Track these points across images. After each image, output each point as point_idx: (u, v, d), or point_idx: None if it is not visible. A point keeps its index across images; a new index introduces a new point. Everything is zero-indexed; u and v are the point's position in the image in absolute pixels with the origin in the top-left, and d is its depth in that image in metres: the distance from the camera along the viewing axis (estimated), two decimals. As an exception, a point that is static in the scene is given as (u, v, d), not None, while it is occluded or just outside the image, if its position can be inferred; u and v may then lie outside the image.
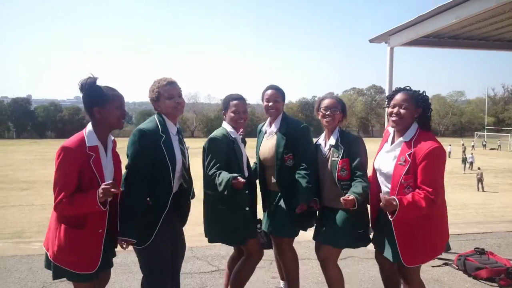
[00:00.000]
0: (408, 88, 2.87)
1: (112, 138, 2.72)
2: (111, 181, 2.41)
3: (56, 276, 2.55)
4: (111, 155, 2.65)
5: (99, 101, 2.51)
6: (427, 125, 2.82)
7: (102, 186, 2.36)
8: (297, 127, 3.37)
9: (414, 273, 2.93)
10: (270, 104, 3.40)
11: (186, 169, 3.00)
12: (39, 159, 36.31)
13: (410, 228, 2.75)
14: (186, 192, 3.05)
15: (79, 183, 2.43)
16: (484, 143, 54.28)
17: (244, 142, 3.45)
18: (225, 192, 2.84)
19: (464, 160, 29.73)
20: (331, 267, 3.23)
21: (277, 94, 3.43)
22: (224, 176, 2.86)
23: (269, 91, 3.45)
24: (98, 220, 2.51)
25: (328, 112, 3.21)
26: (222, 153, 3.08)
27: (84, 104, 2.55)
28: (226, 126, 3.26)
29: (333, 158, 3.15)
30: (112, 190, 2.35)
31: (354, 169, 3.06)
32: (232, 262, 3.50)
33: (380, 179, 2.98)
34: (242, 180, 2.79)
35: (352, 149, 3.11)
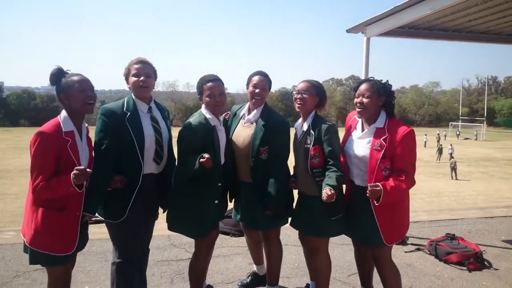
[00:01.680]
0: (371, 78, 3.08)
1: (86, 125, 2.76)
2: (83, 167, 2.46)
3: (32, 261, 2.60)
4: (86, 140, 2.70)
5: (63, 87, 2.60)
6: (391, 112, 3.00)
7: (75, 170, 2.40)
8: (277, 120, 3.27)
9: (388, 254, 3.10)
10: (257, 91, 3.23)
11: (161, 146, 2.94)
12: (12, 147, 35.31)
13: (389, 209, 2.89)
14: (165, 171, 3.03)
15: (56, 168, 2.48)
16: (458, 133, 55.60)
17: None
18: (194, 171, 2.82)
19: (439, 150, 30.04)
20: (322, 256, 3.23)
21: (265, 82, 3.27)
22: (191, 160, 2.85)
23: (257, 77, 3.27)
24: (76, 203, 2.59)
25: (299, 96, 3.16)
26: (195, 142, 2.96)
27: (56, 93, 2.64)
28: (205, 112, 3.07)
29: (305, 145, 3.11)
30: (88, 170, 2.43)
31: (327, 157, 3.02)
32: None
33: (353, 162, 3.05)
34: (207, 156, 2.76)
35: (323, 136, 3.04)
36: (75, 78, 2.61)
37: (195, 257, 3.29)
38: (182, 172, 2.99)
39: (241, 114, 3.39)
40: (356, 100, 3.02)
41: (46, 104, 77.00)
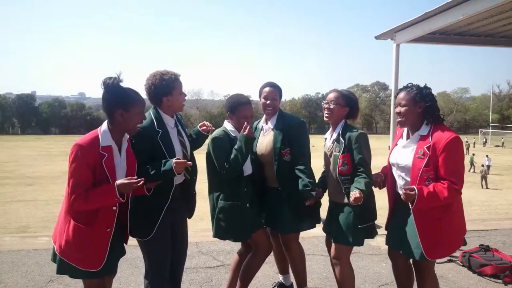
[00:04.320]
0: (408, 85, 2.92)
1: (128, 137, 2.67)
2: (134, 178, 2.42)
3: (60, 271, 2.54)
4: (125, 154, 2.60)
5: (124, 103, 2.47)
6: (437, 117, 2.83)
7: (125, 181, 2.38)
8: (293, 122, 3.38)
9: (431, 267, 2.97)
10: (268, 102, 3.37)
11: (187, 159, 2.94)
12: (43, 155, 36.49)
13: (434, 222, 2.78)
14: (190, 182, 3.07)
15: (93, 180, 2.42)
16: (484, 140, 53.93)
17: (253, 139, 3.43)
18: (245, 151, 3.02)
19: (471, 159, 27.67)
20: (344, 265, 3.20)
21: (275, 92, 3.39)
22: (236, 147, 3.07)
23: (267, 89, 3.40)
24: (108, 219, 2.51)
25: (326, 106, 3.19)
26: (226, 149, 3.11)
27: (105, 103, 2.49)
28: (227, 125, 3.27)
29: (334, 153, 3.13)
30: (140, 183, 2.39)
31: (357, 165, 3.03)
32: (239, 259, 3.49)
33: (397, 173, 2.97)
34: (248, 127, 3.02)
35: (353, 144, 3.05)
36: (139, 98, 2.54)
37: (253, 256, 3.32)
38: (233, 169, 3.09)
39: (260, 126, 3.56)
40: (395, 110, 2.97)
41: (75, 112, 79.33)
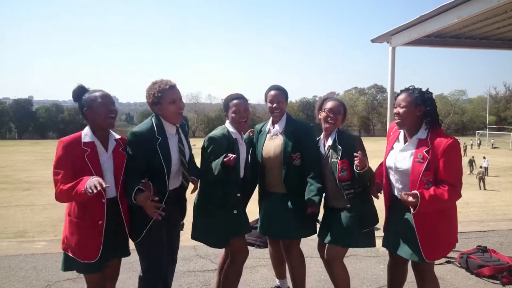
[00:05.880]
0: (410, 87, 2.92)
1: (118, 137, 2.83)
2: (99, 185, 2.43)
3: (64, 267, 2.74)
4: (112, 153, 2.75)
5: (86, 102, 2.72)
6: (436, 122, 2.83)
7: (96, 182, 2.41)
8: (303, 126, 3.35)
9: (431, 268, 2.99)
10: (274, 105, 3.35)
11: (185, 167, 2.97)
12: (40, 159, 36.35)
13: (432, 223, 2.80)
14: (184, 187, 3.08)
15: (74, 175, 2.57)
16: (478, 142, 54.15)
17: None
18: (217, 173, 2.88)
19: (470, 162, 27.88)
20: (337, 266, 3.23)
21: (280, 95, 3.37)
22: (216, 161, 2.93)
23: (272, 92, 3.38)
24: (97, 211, 2.66)
25: (331, 115, 3.20)
26: (220, 152, 2.99)
27: (79, 108, 2.77)
28: (228, 126, 3.19)
29: (332, 160, 3.15)
30: (103, 186, 2.42)
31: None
32: (222, 263, 3.45)
33: (395, 177, 2.96)
34: (233, 155, 2.86)
35: (351, 150, 3.05)
36: (97, 93, 2.73)
37: (230, 265, 3.28)
38: (205, 177, 3.06)
39: (266, 129, 3.49)
40: (394, 110, 2.96)
41: (73, 117, 78.99)
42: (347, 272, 3.28)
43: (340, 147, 3.12)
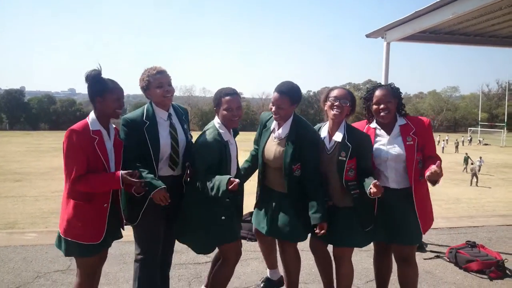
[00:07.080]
0: (382, 84, 3.20)
1: (114, 126, 2.90)
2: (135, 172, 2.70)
3: (67, 253, 2.75)
4: (113, 141, 2.83)
5: (101, 91, 2.71)
6: (404, 111, 3.16)
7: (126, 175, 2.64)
8: (307, 136, 3.06)
9: (414, 252, 3.21)
10: (273, 110, 3.07)
11: (177, 153, 2.98)
12: (32, 151, 36.10)
13: (424, 199, 3.11)
14: (183, 173, 3.09)
15: (88, 162, 2.64)
16: (469, 138, 54.68)
17: (236, 134, 3.24)
18: (220, 195, 2.72)
19: (465, 159, 27.47)
20: (347, 266, 3.20)
21: (281, 99, 3.01)
22: (218, 180, 2.76)
23: (274, 94, 3.06)
24: (104, 196, 2.74)
25: (337, 103, 2.96)
26: (211, 159, 2.90)
27: (88, 93, 2.75)
28: (218, 126, 3.01)
29: (340, 158, 2.96)
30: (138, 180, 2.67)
31: (365, 170, 2.97)
32: (218, 256, 3.35)
33: (390, 166, 3.06)
34: (236, 181, 2.67)
35: (361, 148, 2.95)
36: (115, 86, 2.77)
37: (222, 265, 3.18)
38: (202, 189, 2.88)
39: (271, 127, 3.25)
40: (376, 107, 3.07)
41: (65, 108, 78.51)
42: (353, 270, 3.25)
43: (350, 145, 2.94)
